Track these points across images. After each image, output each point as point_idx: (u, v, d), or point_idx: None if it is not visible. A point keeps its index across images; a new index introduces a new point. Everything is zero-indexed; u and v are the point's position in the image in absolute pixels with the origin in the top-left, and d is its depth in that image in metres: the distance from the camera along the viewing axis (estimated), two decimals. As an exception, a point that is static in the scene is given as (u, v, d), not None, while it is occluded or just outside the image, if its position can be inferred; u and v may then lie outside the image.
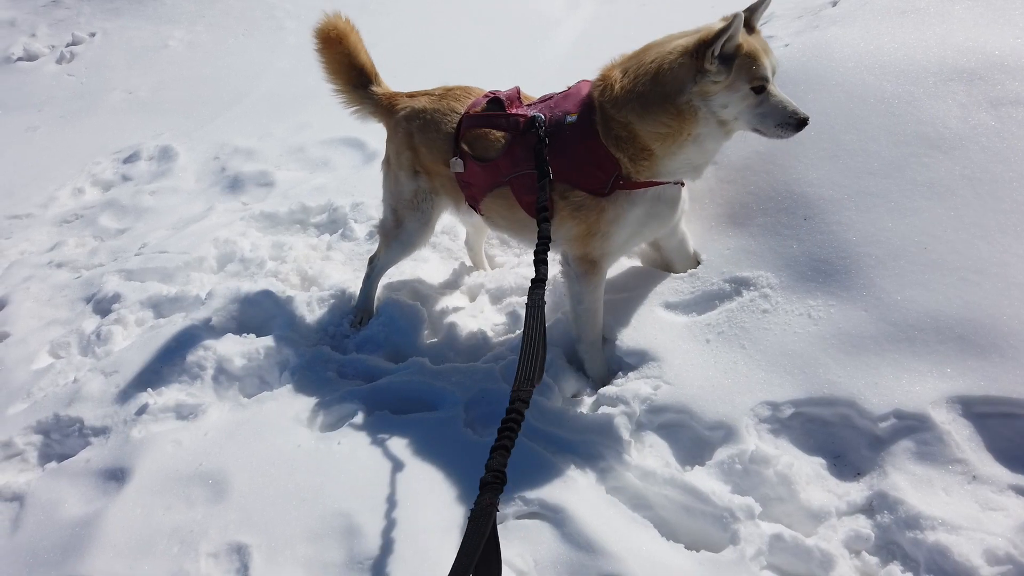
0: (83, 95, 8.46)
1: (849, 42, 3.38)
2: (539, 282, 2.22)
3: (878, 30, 3.40)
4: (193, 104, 7.40)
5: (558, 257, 3.01)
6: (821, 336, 2.61)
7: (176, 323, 3.58)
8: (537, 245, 2.41)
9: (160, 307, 3.89)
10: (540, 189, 2.61)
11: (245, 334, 3.42)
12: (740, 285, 2.91)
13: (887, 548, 2.16)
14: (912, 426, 2.35)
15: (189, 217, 5.02)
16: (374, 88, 3.35)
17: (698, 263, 3.13)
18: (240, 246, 4.27)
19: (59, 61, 9.46)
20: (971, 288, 2.53)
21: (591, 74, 2.84)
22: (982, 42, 3.20)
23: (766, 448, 2.42)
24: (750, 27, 2.51)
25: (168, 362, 3.32)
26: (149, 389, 3.20)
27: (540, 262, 2.33)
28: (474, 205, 3.09)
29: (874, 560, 2.15)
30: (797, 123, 2.48)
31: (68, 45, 9.75)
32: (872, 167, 2.90)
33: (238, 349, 3.29)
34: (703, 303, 2.96)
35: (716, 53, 2.37)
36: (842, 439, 2.45)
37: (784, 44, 3.64)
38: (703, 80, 2.42)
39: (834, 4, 4.11)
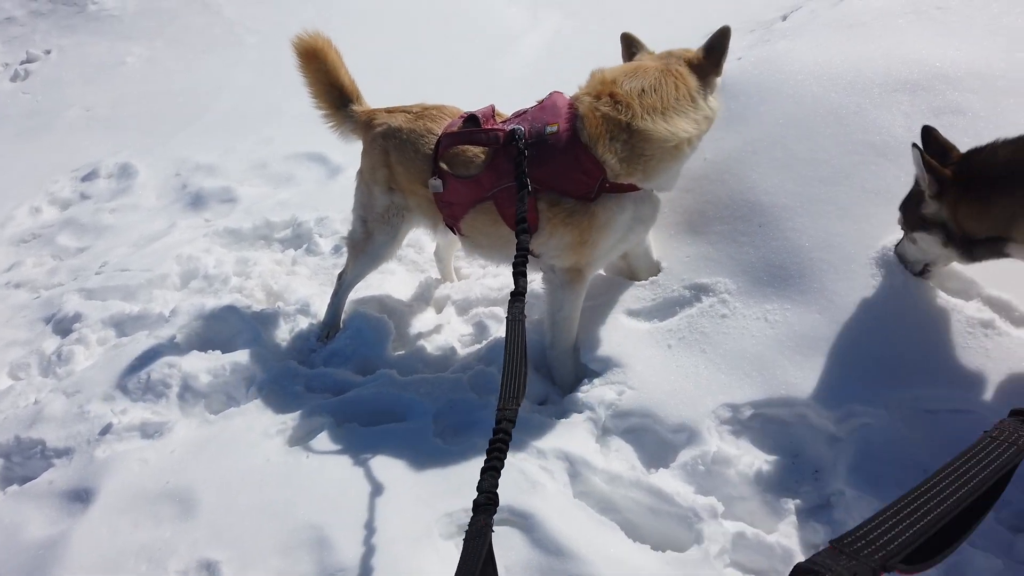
0: (39, 113, 8.32)
1: (799, 55, 3.50)
2: (518, 295, 2.20)
3: (826, 43, 3.53)
4: (153, 120, 7.33)
5: (539, 268, 3.05)
6: (778, 339, 2.70)
7: (139, 341, 3.55)
8: (515, 257, 2.40)
9: (123, 325, 3.86)
10: (519, 201, 2.66)
11: (210, 350, 3.40)
12: (700, 291, 2.99)
13: (845, 542, 2.24)
14: (867, 424, 2.43)
15: (151, 234, 4.98)
16: (355, 107, 3.40)
17: (659, 271, 3.21)
18: (204, 263, 4.25)
19: (14, 79, 9.30)
20: (918, 289, 2.64)
21: (558, 86, 2.94)
22: (924, 54, 3.34)
23: (727, 449, 2.49)
24: None
25: (132, 380, 3.29)
26: (113, 408, 3.17)
27: (519, 274, 2.32)
28: (453, 225, 3.12)
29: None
30: None
31: (23, 63, 9.59)
32: (823, 175, 3.01)
33: (204, 366, 3.28)
34: (664, 309, 3.03)
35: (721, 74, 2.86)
36: (800, 438, 2.53)
37: (737, 57, 3.76)
38: (718, 81, 2.86)
39: (784, 18, 4.25)
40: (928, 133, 2.50)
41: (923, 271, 2.65)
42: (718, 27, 2.79)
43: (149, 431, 3.05)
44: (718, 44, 2.79)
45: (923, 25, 3.57)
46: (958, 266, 2.70)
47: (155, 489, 2.71)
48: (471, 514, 1.51)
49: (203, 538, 2.48)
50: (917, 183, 2.53)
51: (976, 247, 2.43)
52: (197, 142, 6.48)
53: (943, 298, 2.62)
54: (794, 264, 2.83)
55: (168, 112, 7.45)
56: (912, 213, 2.54)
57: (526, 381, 1.86)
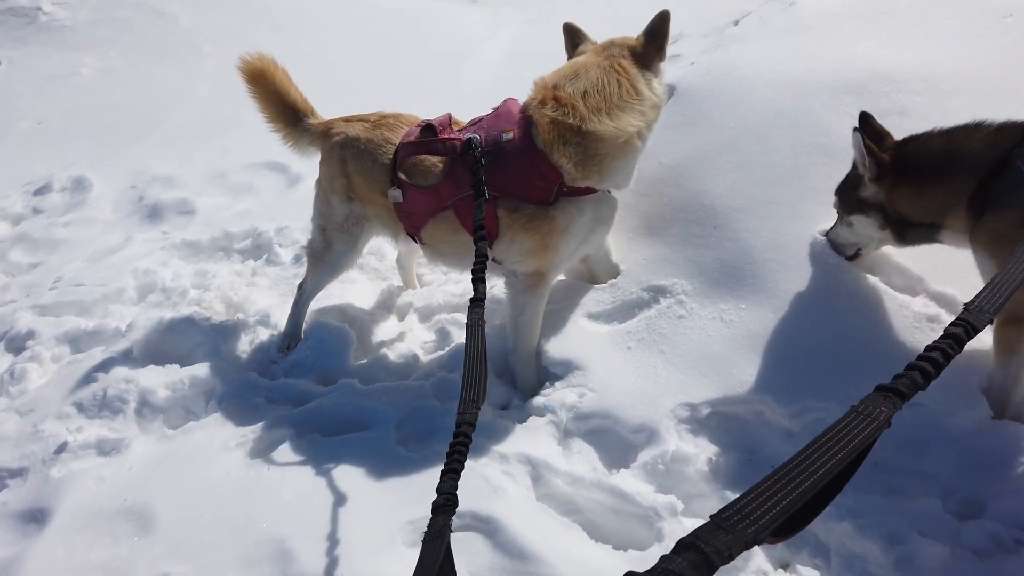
0: (-11, 126, 8.13)
1: (751, 60, 3.57)
2: (477, 301, 2.21)
3: (777, 48, 3.62)
4: (107, 132, 7.21)
5: (501, 273, 3.07)
6: (733, 338, 2.75)
7: (95, 357, 3.49)
8: (475, 264, 2.41)
9: (78, 342, 3.78)
10: (477, 208, 2.67)
11: (168, 364, 3.36)
12: (657, 293, 3.03)
13: (801, 536, 2.28)
14: (820, 419, 2.49)
15: (106, 248, 4.90)
16: (310, 121, 3.40)
17: (618, 273, 3.24)
18: (161, 276, 4.19)
19: (-38, 91, 9.08)
20: (867, 287, 2.71)
21: (519, 93, 2.96)
22: (871, 58, 3.43)
23: (686, 447, 2.53)
24: None
25: (88, 397, 3.23)
26: (68, 426, 3.11)
27: (478, 280, 2.33)
28: (414, 234, 3.12)
29: (788, 550, 2.27)
30: None
31: (-29, 74, 9.37)
32: (775, 177, 3.07)
33: (161, 380, 3.23)
34: (623, 312, 3.07)
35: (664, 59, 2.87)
36: (756, 434, 2.57)
37: (691, 63, 3.83)
38: (663, 65, 2.87)
39: (736, 23, 4.33)
40: (865, 119, 2.59)
41: (855, 255, 2.74)
42: (658, 11, 2.81)
43: (106, 448, 2.99)
44: (659, 28, 2.82)
45: (870, 29, 3.68)
46: (904, 262, 2.78)
47: (112, 507, 2.67)
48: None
49: (162, 554, 2.44)
50: (855, 167, 2.62)
51: (910, 231, 2.52)
52: (154, 153, 6.39)
53: (890, 294, 2.69)
54: (748, 264, 2.89)
55: (123, 123, 7.33)
56: (850, 196, 2.62)
57: (486, 386, 1.88)
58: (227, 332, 3.57)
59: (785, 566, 2.27)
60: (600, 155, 2.73)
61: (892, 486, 2.34)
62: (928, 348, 1.30)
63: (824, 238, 2.83)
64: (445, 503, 1.55)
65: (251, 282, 4.13)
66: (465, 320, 3.46)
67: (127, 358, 3.43)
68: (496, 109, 2.99)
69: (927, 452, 2.40)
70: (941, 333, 1.36)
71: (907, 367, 1.25)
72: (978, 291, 1.49)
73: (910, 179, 2.47)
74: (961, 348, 1.32)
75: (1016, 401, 2.42)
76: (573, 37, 3.10)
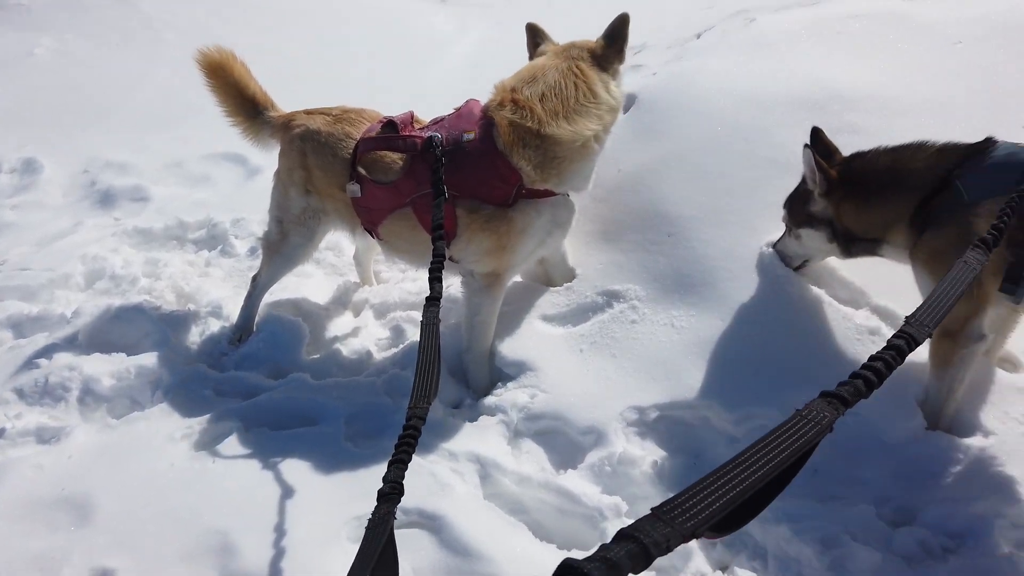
0: (-64, 103, 7.85)
1: (710, 73, 3.65)
2: (433, 300, 2.22)
3: (735, 62, 3.70)
4: (61, 115, 7.01)
5: (458, 272, 3.08)
6: (683, 344, 2.81)
7: (38, 343, 3.40)
8: (432, 263, 2.41)
9: (20, 327, 3.68)
10: (435, 207, 2.67)
11: (115, 353, 3.29)
12: (611, 297, 3.07)
13: (739, 539, 2.34)
14: (763, 425, 2.55)
15: (55, 233, 4.77)
16: (270, 113, 3.39)
17: (574, 277, 3.28)
18: (111, 263, 4.10)
19: (-92, 66, 8.74)
20: (813, 298, 2.79)
21: (485, 95, 2.98)
22: (825, 76, 3.53)
23: (633, 450, 2.57)
24: None
25: (29, 384, 3.15)
26: (7, 413, 3.02)
27: (435, 279, 2.33)
28: (371, 230, 3.11)
29: (727, 552, 2.32)
30: None
31: (-81, 49, 9.04)
32: (729, 188, 3.14)
33: (107, 369, 3.17)
34: (578, 315, 3.11)
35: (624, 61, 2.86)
36: (702, 439, 2.63)
37: (652, 73, 3.89)
38: (621, 68, 2.87)
39: (698, 37, 4.41)
40: (816, 134, 2.68)
41: (801, 266, 2.82)
42: (618, 14, 2.85)
43: (45, 436, 2.92)
44: (618, 31, 2.85)
45: (825, 48, 3.78)
46: (848, 276, 2.87)
47: (50, 496, 2.60)
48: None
49: (100, 546, 2.39)
50: (803, 182, 2.70)
51: (855, 244, 2.61)
52: (109, 139, 6.23)
53: (835, 306, 2.77)
54: (699, 272, 2.95)
55: (78, 107, 7.14)
56: (800, 210, 2.70)
57: (438, 382, 1.90)
58: (177, 322, 3.51)
59: (724, 568, 2.33)
60: (559, 158, 2.76)
61: (829, 492, 2.41)
62: (871, 358, 1.33)
63: (771, 250, 2.90)
64: (390, 491, 1.57)
65: (204, 273, 4.07)
66: (420, 318, 3.49)
67: (71, 345, 3.36)
68: (458, 109, 3.00)
69: (863, 460, 2.47)
70: (882, 345, 1.40)
71: (851, 375, 1.29)
72: (919, 305, 1.55)
73: (856, 195, 2.56)
74: (903, 359, 1.36)
75: (949, 413, 2.51)
76: (535, 36, 3.13)
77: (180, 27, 8.68)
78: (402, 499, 1.57)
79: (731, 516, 1.01)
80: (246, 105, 3.39)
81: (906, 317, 1.48)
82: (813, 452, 1.12)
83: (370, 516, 1.52)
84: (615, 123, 2.92)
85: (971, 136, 2.45)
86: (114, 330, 3.47)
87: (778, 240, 2.88)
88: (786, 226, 2.81)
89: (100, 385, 3.12)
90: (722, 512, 0.98)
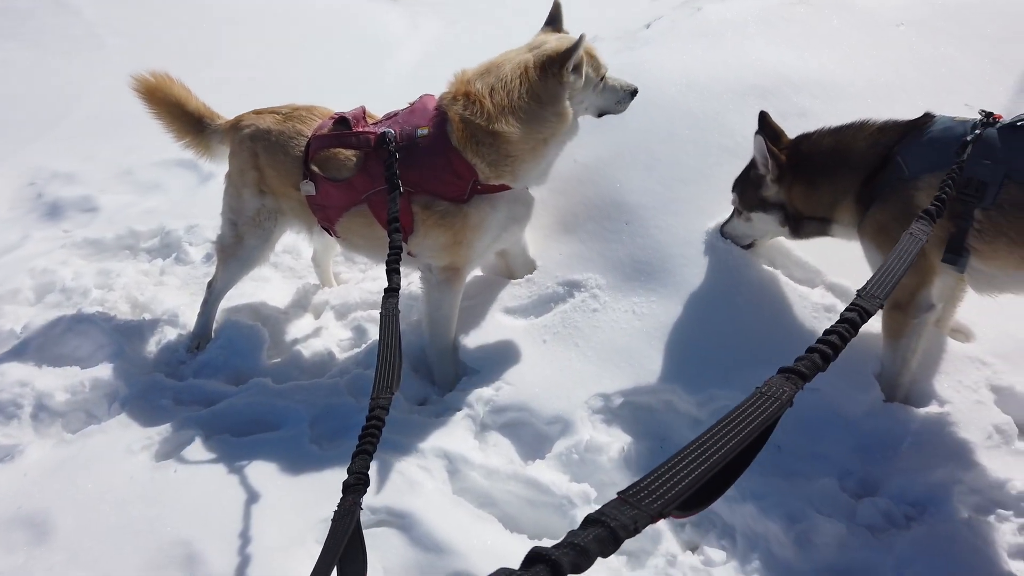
0: None
1: (660, 62, 3.68)
2: (392, 291, 2.21)
3: (685, 51, 3.74)
4: (4, 127, 6.79)
5: (416, 267, 3.05)
6: (644, 330, 2.83)
7: (-13, 360, 3.30)
8: (389, 255, 2.40)
9: (-32, 345, 3.56)
10: (391, 202, 2.65)
11: (68, 367, 3.20)
12: (572, 287, 3.08)
13: (708, 518, 2.37)
14: (725, 406, 2.58)
15: (1, 247, 4.62)
16: (217, 122, 3.37)
17: (534, 268, 3.28)
18: (60, 275, 3.98)
19: None
20: (770, 279, 2.83)
21: (438, 93, 2.96)
22: (773, 62, 3.59)
23: (599, 437, 2.58)
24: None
25: (-22, 402, 3.05)
26: (-44, 433, 2.92)
27: (392, 271, 2.33)
28: (328, 227, 3.08)
29: (696, 532, 2.35)
30: (631, 94, 2.92)
31: None
32: (683, 175, 3.18)
33: (60, 383, 3.08)
34: (539, 306, 3.11)
35: (571, 68, 2.68)
36: (666, 422, 2.65)
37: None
38: (569, 87, 2.73)
39: (648, 27, 4.45)
40: (763, 118, 2.72)
41: (749, 245, 2.87)
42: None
43: (-2, 455, 2.83)
44: (567, 53, 2.67)
45: (772, 35, 3.84)
46: (803, 256, 2.92)
47: (6, 515, 2.52)
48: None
49: (60, 563, 2.33)
50: (752, 166, 2.73)
51: (805, 225, 2.66)
52: (54, 149, 6.06)
53: (791, 286, 2.82)
54: (658, 259, 2.98)
55: (22, 117, 6.92)
56: (752, 195, 2.74)
57: (400, 372, 1.89)
58: (132, 333, 3.43)
59: (694, 548, 2.35)
60: (511, 156, 2.76)
61: (792, 469, 2.45)
62: (826, 332, 1.35)
63: (719, 233, 2.93)
64: (356, 482, 1.56)
65: (159, 281, 3.97)
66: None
67: (22, 360, 3.25)
68: (412, 104, 2.98)
69: (824, 436, 2.52)
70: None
71: (807, 350, 1.30)
72: (869, 278, 1.58)
73: (804, 176, 2.60)
74: (856, 331, 1.39)
75: (905, 384, 2.57)
76: (554, 15, 3.03)
77: (125, 32, 8.47)
78: (370, 496, 1.56)
79: (697, 495, 1.01)
80: (191, 122, 3.39)
81: (857, 291, 1.52)
82: (775, 428, 1.13)
83: (335, 508, 1.50)
84: (570, 132, 2.84)
85: (916, 115, 2.51)
86: (67, 343, 3.38)
87: (725, 222, 2.91)
88: (735, 209, 2.85)
89: (54, 400, 3.03)
90: (688, 491, 0.98)
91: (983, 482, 2.32)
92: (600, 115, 3.00)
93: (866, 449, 2.48)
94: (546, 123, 2.75)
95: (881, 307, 1.50)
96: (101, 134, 6.20)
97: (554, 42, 2.81)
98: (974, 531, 2.20)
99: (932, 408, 2.51)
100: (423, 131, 2.79)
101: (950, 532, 2.20)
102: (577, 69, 2.73)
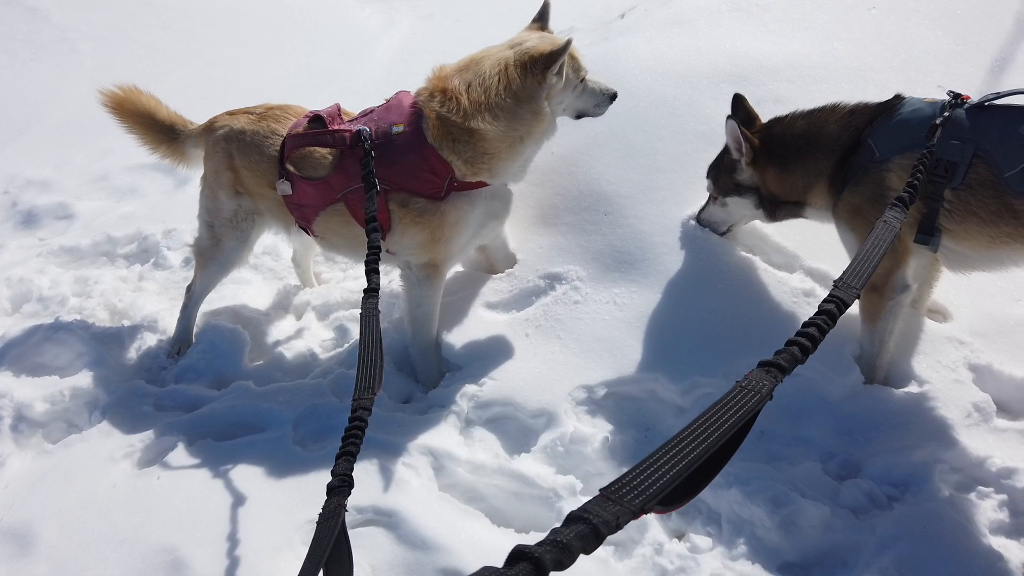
0: None
1: (635, 52, 3.68)
2: (371, 291, 2.21)
3: (659, 40, 3.73)
4: (-25, 135, 6.72)
5: (396, 265, 3.04)
6: (626, 320, 2.83)
7: (-36, 372, 3.25)
8: (368, 255, 2.39)
9: (-56, 357, 3.51)
10: (368, 199, 2.63)
11: (47, 376, 3.17)
12: (553, 280, 3.08)
13: (694, 506, 2.38)
14: (708, 394, 2.59)
15: (-25, 258, 4.56)
16: (189, 128, 3.36)
17: (515, 262, 3.28)
18: (37, 284, 3.93)
19: None
20: (749, 265, 2.84)
21: (414, 88, 2.94)
22: (746, 48, 3.59)
23: (584, 428, 2.59)
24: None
25: (-44, 415, 3.01)
26: (-66, 447, 2.89)
27: (371, 271, 2.31)
28: (306, 226, 3.06)
29: (682, 520, 2.36)
30: (610, 98, 2.92)
31: None
32: (660, 164, 3.18)
33: (39, 393, 3.05)
34: (521, 300, 3.11)
35: (556, 71, 2.68)
36: (651, 412, 2.66)
37: (579, 55, 3.89)
38: (548, 88, 2.71)
39: (622, 16, 4.44)
40: (737, 101, 2.73)
41: (726, 231, 2.88)
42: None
43: (-22, 468, 2.80)
44: (553, 56, 2.67)
45: (745, 22, 3.84)
46: (781, 241, 2.93)
47: (-13, 529, 2.50)
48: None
49: (44, 574, 2.31)
50: (726, 151, 2.74)
51: (780, 208, 2.67)
52: (27, 156, 5.98)
53: (770, 272, 2.83)
54: (638, 249, 2.98)
55: (-7, 125, 6.84)
56: (726, 180, 2.75)
57: (382, 372, 1.88)
58: (112, 340, 3.40)
59: (680, 536, 2.36)
60: (488, 154, 2.75)
61: (775, 453, 2.47)
62: (805, 324, 1.37)
63: (695, 219, 2.94)
64: (340, 484, 1.56)
65: (138, 287, 3.93)
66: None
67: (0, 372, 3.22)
68: (388, 101, 2.96)
69: (807, 419, 2.54)
70: (816, 308, 1.44)
71: (787, 343, 1.32)
72: (846, 267, 1.59)
73: (777, 159, 2.61)
74: (834, 322, 1.41)
75: (884, 366, 2.59)
76: (542, 14, 3.01)
77: (96, 36, 8.36)
78: (356, 496, 1.56)
79: (678, 490, 1.02)
80: (163, 131, 3.38)
81: (834, 281, 1.54)
82: (755, 421, 1.14)
83: (320, 511, 1.50)
84: (548, 131, 2.84)
85: (888, 97, 2.52)
86: (45, 353, 3.34)
87: (701, 210, 2.92)
88: (710, 195, 2.86)
89: (33, 411, 3.00)
90: (669, 486, 0.99)
91: (963, 460, 2.35)
92: (578, 117, 2.99)
93: (848, 431, 2.50)
94: (523, 121, 2.73)
95: (858, 297, 1.52)
96: (74, 139, 6.12)
97: (536, 41, 2.78)
98: (956, 509, 2.23)
99: (912, 388, 2.53)
100: (399, 128, 2.78)
101: (932, 511, 2.22)
102: (559, 71, 2.72)
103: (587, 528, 0.90)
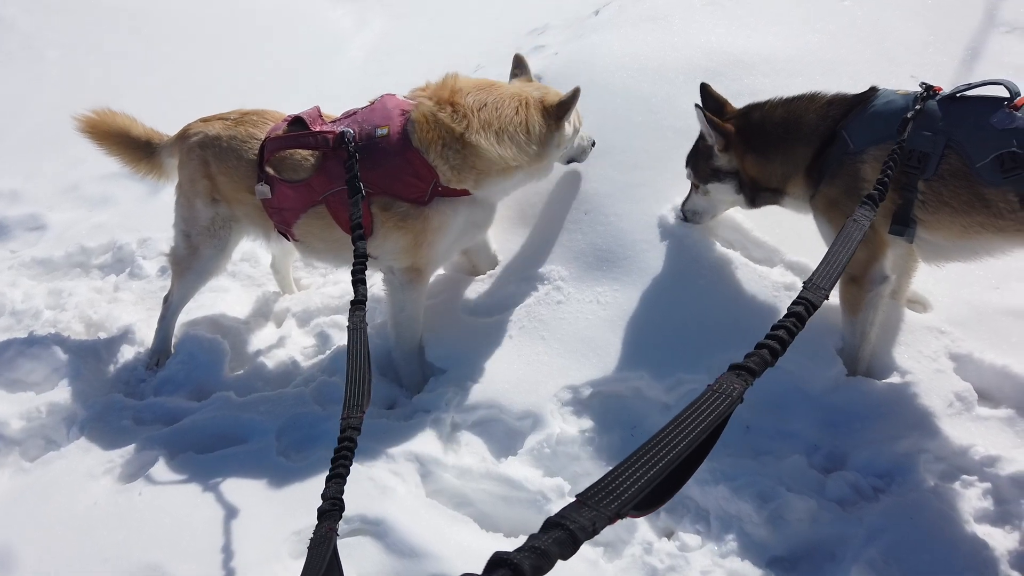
0: None
1: (610, 48, 3.67)
2: (359, 303, 2.15)
3: (634, 36, 3.73)
4: (-59, 146, 6.58)
5: (379, 269, 3.02)
6: (609, 319, 2.83)
7: (-64, 391, 3.19)
8: (354, 264, 2.34)
9: (-85, 376, 3.44)
10: (353, 205, 2.60)
11: (22, 392, 3.12)
12: (535, 280, 3.07)
13: (681, 503, 2.38)
14: (693, 390, 2.59)
15: (-54, 272, 4.47)
16: (164, 141, 3.34)
17: (497, 263, 3.27)
18: (9, 298, 3.86)
19: None
20: (730, 261, 2.84)
21: (388, 89, 2.94)
22: (721, 43, 3.59)
23: (570, 429, 2.58)
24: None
25: (-71, 436, 2.95)
26: (-93, 469, 2.82)
27: (358, 282, 2.26)
28: (285, 231, 3.02)
29: (670, 518, 2.36)
30: (592, 144, 3.15)
31: None
32: (639, 161, 3.17)
33: (15, 410, 3.00)
34: (504, 301, 3.09)
35: (569, 119, 2.86)
36: (637, 410, 2.66)
37: (554, 53, 3.89)
38: (560, 133, 2.85)
39: (596, 13, 4.43)
40: (704, 89, 2.74)
41: (711, 220, 2.89)
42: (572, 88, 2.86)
43: (-46, 489, 2.74)
44: (565, 103, 2.84)
45: (719, 16, 3.84)
46: (761, 236, 2.94)
47: (-36, 551, 2.45)
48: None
49: (24, 597, 2.27)
50: (701, 138, 2.74)
51: (760, 194, 2.69)
52: (-4, 167, 5.88)
53: (751, 267, 2.84)
54: (619, 247, 2.98)
55: (-41, 136, 6.71)
56: (704, 167, 2.75)
57: (370, 389, 1.85)
58: (88, 353, 3.34)
59: (669, 534, 2.36)
60: (478, 169, 2.76)
61: (761, 447, 2.47)
62: (774, 327, 1.38)
63: (680, 212, 2.94)
64: (331, 508, 1.54)
65: (113, 298, 3.88)
66: (346, 322, 3.41)
67: (-27, 390, 3.15)
68: (372, 103, 2.94)
69: (791, 413, 2.54)
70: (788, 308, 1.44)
71: (756, 345, 1.33)
72: (815, 267, 1.61)
73: (756, 146, 2.62)
74: (803, 324, 1.42)
75: (866, 357, 2.61)
76: (518, 65, 3.16)
77: (63, 43, 8.21)
78: (343, 511, 1.54)
79: (653, 493, 1.03)
80: (140, 148, 3.38)
81: (804, 282, 1.55)
82: (727, 424, 1.16)
83: (311, 536, 1.48)
84: (541, 172, 2.94)
85: (863, 88, 2.53)
86: (19, 368, 3.28)
87: (685, 200, 2.92)
88: (692, 184, 2.86)
89: (9, 428, 2.95)
90: (644, 491, 1.00)
91: (947, 449, 2.37)
92: (568, 163, 3.16)
93: (832, 423, 2.51)
94: (525, 155, 2.79)
95: (826, 298, 1.54)
96: (44, 148, 6.01)
97: (552, 93, 2.92)
98: (941, 498, 2.24)
99: (894, 379, 2.55)
100: (383, 131, 2.76)
101: (917, 501, 2.24)
102: (569, 120, 2.88)
103: (564, 534, 0.92)
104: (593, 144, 3.15)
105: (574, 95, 2.82)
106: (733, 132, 2.63)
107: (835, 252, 1.67)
